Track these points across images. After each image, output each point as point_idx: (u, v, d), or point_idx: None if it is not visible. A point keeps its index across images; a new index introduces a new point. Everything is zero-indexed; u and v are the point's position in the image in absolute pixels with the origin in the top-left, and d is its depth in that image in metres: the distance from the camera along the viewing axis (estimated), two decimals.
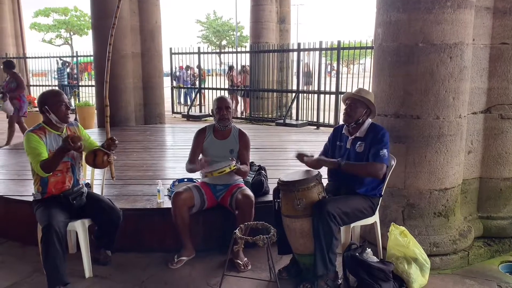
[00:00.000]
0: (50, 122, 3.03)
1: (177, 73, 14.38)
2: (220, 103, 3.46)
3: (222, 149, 3.50)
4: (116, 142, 3.14)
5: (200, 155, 3.54)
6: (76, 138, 2.82)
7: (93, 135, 3.30)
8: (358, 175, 2.99)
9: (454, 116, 3.20)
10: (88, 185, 3.44)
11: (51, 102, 3.00)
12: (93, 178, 3.63)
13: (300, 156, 3.17)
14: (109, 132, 3.23)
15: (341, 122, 3.18)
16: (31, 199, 3.18)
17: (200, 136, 3.58)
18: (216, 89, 12.24)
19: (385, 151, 2.89)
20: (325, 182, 3.12)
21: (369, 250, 2.95)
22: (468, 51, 3.20)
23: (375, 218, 3.13)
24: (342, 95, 3.32)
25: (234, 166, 3.18)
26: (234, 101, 12.70)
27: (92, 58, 8.20)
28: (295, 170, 3.37)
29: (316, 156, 3.18)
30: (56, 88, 15.07)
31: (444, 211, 3.32)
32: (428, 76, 3.12)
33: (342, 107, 3.27)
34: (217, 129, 3.54)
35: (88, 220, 3.16)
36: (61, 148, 2.87)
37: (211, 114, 3.65)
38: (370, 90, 3.39)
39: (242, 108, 12.67)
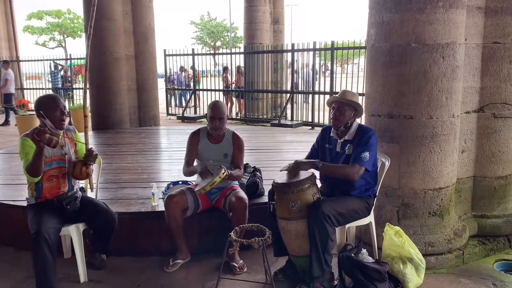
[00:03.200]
0: (46, 127, 2.99)
1: (173, 77, 14.37)
2: (213, 113, 3.36)
3: (216, 153, 3.49)
4: (94, 153, 3.10)
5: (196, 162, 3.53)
6: (42, 132, 2.71)
7: (88, 133, 3.32)
8: (335, 177, 2.99)
9: (448, 115, 3.21)
10: (82, 189, 3.42)
11: (46, 106, 2.95)
12: (87, 182, 3.60)
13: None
14: (89, 143, 3.21)
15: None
16: (24, 203, 3.15)
17: (194, 138, 3.56)
18: (211, 90, 12.22)
19: (367, 154, 2.88)
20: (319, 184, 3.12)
21: (364, 250, 2.95)
22: (461, 50, 3.21)
23: (370, 219, 3.13)
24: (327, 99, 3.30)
25: (223, 174, 3.14)
26: (229, 102, 12.68)
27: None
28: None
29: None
30: (51, 92, 14.99)
31: (439, 210, 3.33)
32: (421, 76, 3.13)
33: None
34: (211, 134, 3.52)
35: (82, 224, 3.14)
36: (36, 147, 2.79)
37: (206, 117, 3.63)
38: (364, 90, 3.39)
39: (237, 109, 12.66)
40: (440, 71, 3.13)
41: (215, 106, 3.40)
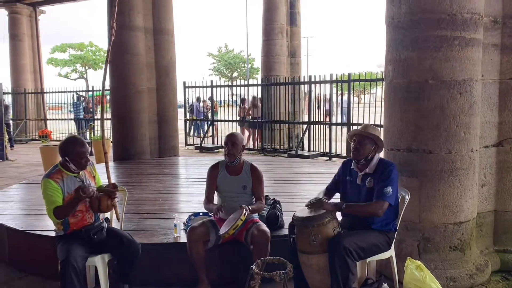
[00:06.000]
0: (68, 166, 3.10)
1: (194, 105, 14.71)
2: (226, 139, 3.55)
3: (235, 185, 3.55)
4: (117, 187, 3.22)
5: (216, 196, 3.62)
6: (86, 188, 2.96)
7: (109, 168, 3.52)
8: (360, 215, 3.04)
9: (466, 150, 3.25)
10: (107, 220, 3.52)
11: (74, 154, 3.06)
12: (112, 213, 3.71)
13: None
14: (110, 178, 3.34)
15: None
16: (51, 233, 3.26)
17: (213, 172, 3.64)
18: (229, 121, 12.41)
19: (389, 188, 2.92)
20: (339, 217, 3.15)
21: (385, 285, 2.96)
22: (478, 86, 3.28)
23: (391, 253, 3.14)
24: (348, 132, 3.39)
25: (244, 216, 3.18)
26: (248, 133, 12.81)
27: (107, 91, 8.44)
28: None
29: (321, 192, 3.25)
30: (73, 122, 15.42)
31: (460, 244, 3.32)
32: (439, 112, 3.19)
33: None
34: (228, 165, 3.61)
35: (108, 255, 3.21)
36: (74, 198, 2.99)
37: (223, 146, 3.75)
38: (382, 122, 3.46)
39: (251, 139, 12.76)
40: (457, 107, 3.19)
41: (228, 134, 3.64)
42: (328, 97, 11.00)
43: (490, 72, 3.50)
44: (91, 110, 15.46)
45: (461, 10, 3.11)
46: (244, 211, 3.20)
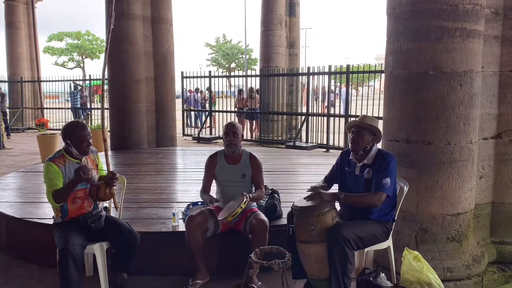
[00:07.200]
0: (71, 151, 3.11)
1: (187, 95, 14.66)
2: (227, 129, 3.52)
3: (234, 174, 3.56)
4: (117, 175, 3.20)
5: (214, 195, 3.61)
6: (85, 169, 2.94)
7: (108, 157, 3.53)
8: (357, 206, 3.04)
9: (465, 141, 3.26)
10: (106, 209, 3.52)
11: (75, 137, 3.06)
12: (111, 202, 3.70)
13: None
14: (110, 165, 3.31)
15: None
16: (49, 221, 3.25)
17: (211, 161, 3.64)
18: (226, 111, 12.38)
19: (388, 179, 2.93)
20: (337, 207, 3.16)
21: (383, 275, 2.98)
22: (478, 78, 3.28)
23: (388, 243, 3.15)
24: (346, 124, 3.38)
25: (244, 204, 3.19)
26: (248, 124, 12.78)
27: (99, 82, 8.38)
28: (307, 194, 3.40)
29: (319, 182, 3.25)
30: (70, 111, 15.36)
31: (457, 236, 3.34)
32: (439, 103, 3.19)
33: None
34: (227, 154, 3.61)
35: (106, 243, 3.21)
36: (72, 179, 2.98)
37: (221, 137, 3.72)
38: (381, 114, 3.46)
39: (248, 130, 12.75)
40: (457, 98, 3.19)
41: (228, 124, 3.60)
42: (326, 89, 10.99)
43: (491, 64, 3.49)
44: (85, 98, 15.39)
45: (463, 1, 3.10)
46: (245, 199, 3.21)
